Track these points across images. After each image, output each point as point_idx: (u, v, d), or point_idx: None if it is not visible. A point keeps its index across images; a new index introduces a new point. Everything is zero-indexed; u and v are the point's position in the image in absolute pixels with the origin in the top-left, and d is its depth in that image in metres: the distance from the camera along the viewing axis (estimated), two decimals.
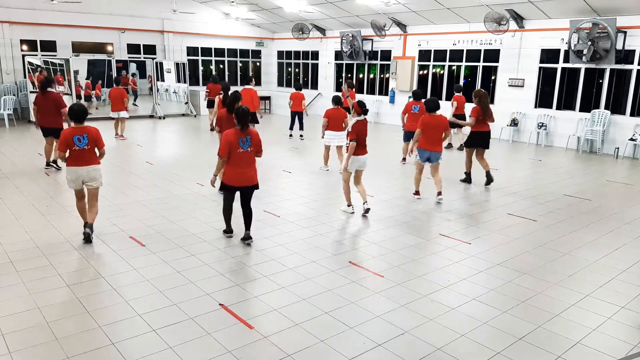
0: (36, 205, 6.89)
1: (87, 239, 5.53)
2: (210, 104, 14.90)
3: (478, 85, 14.90)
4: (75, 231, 5.91)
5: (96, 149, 5.58)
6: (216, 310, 4.09)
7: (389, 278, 4.80)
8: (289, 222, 6.40)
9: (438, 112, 7.56)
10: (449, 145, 12.28)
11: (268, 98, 20.99)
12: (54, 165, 9.24)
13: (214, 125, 14.38)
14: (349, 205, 6.89)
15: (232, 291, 4.47)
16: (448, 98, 15.07)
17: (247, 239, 5.62)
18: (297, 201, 7.41)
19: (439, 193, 7.49)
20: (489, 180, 8.55)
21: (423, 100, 9.46)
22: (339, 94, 13.28)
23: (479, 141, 8.63)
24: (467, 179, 8.77)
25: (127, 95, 13.57)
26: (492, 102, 14.54)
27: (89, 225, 5.60)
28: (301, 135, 13.54)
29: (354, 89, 13.96)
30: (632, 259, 5.43)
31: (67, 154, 5.45)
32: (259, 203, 7.08)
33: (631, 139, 11.66)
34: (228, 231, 5.83)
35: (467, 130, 9.57)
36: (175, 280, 4.65)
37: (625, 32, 11.46)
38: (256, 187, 5.60)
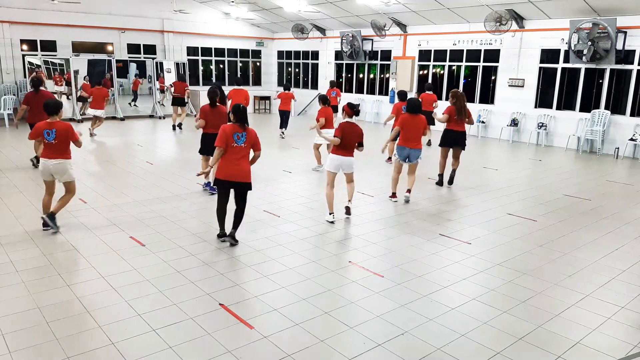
0: (36, 205, 6.88)
1: (45, 225, 5.88)
2: (175, 102, 14.79)
3: (478, 85, 14.92)
4: (75, 231, 5.91)
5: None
6: (216, 310, 4.09)
7: (389, 278, 4.80)
8: (289, 222, 6.40)
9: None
10: (428, 143, 12.37)
11: (268, 98, 21.00)
12: (33, 161, 9.24)
13: (175, 123, 14.56)
14: (330, 214, 6.47)
15: (232, 291, 4.46)
16: (447, 98, 15.07)
17: (232, 237, 5.53)
18: (297, 201, 7.40)
19: (409, 190, 7.51)
20: (451, 179, 8.56)
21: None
22: (325, 93, 13.89)
23: (450, 140, 8.48)
24: (439, 182, 8.59)
25: (108, 95, 13.72)
26: (492, 102, 14.63)
27: (50, 214, 5.89)
28: (282, 133, 13.73)
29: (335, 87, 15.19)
30: (632, 259, 5.43)
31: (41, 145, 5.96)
32: (259, 203, 7.09)
33: (631, 139, 11.66)
34: (221, 235, 5.68)
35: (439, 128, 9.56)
36: (175, 280, 4.65)
37: (625, 32, 11.46)
38: (249, 187, 5.52)
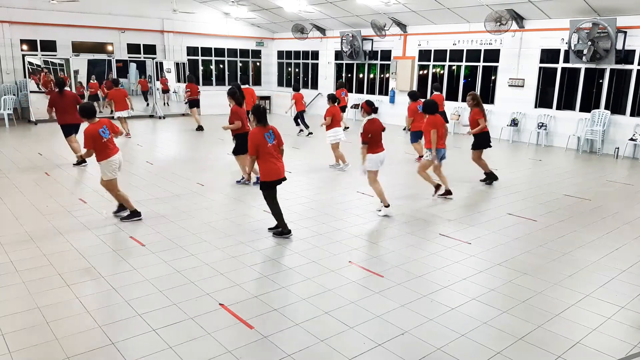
0: (36, 205, 6.89)
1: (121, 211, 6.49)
2: (192, 104, 15.07)
3: (478, 85, 14.92)
4: (75, 231, 5.91)
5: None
6: (216, 310, 4.09)
7: (389, 278, 4.80)
8: (289, 222, 6.38)
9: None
10: None
11: (268, 98, 21.00)
12: (84, 164, 9.48)
13: (200, 124, 14.65)
14: (386, 206, 6.74)
15: (232, 291, 4.46)
16: (448, 98, 15.09)
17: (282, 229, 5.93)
18: (297, 201, 7.40)
19: (438, 188, 7.73)
20: (494, 178, 8.74)
21: (422, 99, 9.56)
22: (334, 92, 14.04)
23: (486, 141, 8.70)
24: (491, 177, 8.77)
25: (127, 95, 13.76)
26: (492, 102, 14.63)
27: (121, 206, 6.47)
28: (309, 133, 13.92)
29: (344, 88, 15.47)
30: (632, 259, 5.42)
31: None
32: (258, 203, 7.08)
33: (631, 139, 11.66)
34: (287, 232, 5.84)
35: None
36: (175, 280, 4.65)
37: (625, 32, 11.46)
38: (285, 178, 5.88)
